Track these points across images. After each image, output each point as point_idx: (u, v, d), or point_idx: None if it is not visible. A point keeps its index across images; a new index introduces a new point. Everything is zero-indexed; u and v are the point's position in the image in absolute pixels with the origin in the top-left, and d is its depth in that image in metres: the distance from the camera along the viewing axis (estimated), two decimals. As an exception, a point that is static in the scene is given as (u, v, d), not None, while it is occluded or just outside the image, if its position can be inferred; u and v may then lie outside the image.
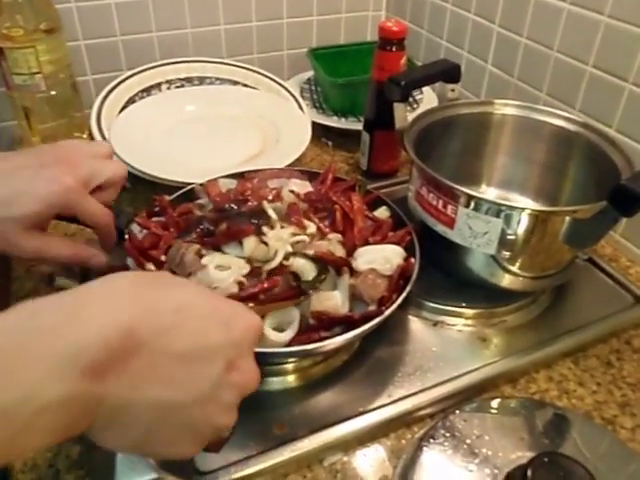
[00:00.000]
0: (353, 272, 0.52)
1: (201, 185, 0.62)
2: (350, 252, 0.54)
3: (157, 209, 0.58)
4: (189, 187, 0.62)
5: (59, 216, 0.51)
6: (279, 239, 0.52)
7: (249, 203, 0.56)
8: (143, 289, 0.32)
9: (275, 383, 0.52)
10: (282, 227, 0.54)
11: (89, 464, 0.46)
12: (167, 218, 0.57)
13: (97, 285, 0.30)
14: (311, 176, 0.65)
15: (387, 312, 0.48)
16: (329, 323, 0.48)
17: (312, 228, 0.55)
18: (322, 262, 0.51)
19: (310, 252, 0.51)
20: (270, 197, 0.57)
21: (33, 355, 0.25)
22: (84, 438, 0.42)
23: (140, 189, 0.73)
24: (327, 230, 0.56)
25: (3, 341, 0.26)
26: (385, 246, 0.55)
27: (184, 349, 0.31)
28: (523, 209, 0.52)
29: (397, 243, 0.56)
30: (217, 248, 0.52)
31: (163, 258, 0.52)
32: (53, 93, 0.81)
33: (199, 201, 0.60)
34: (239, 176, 0.64)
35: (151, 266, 0.52)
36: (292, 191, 0.60)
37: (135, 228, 0.56)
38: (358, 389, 0.52)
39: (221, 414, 0.34)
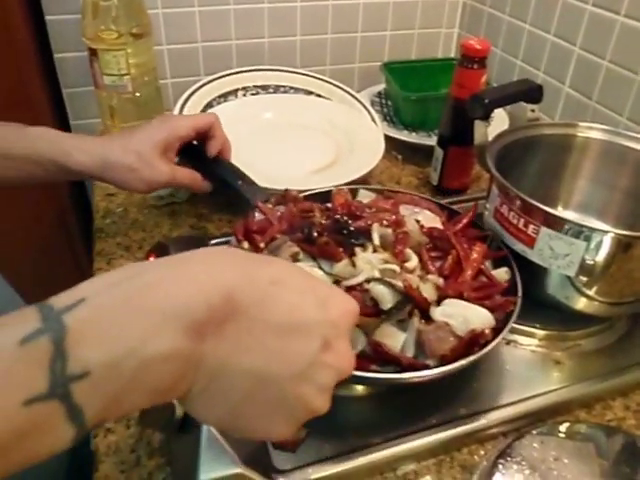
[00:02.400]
0: (429, 319, 0.50)
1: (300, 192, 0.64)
2: (440, 299, 0.52)
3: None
4: (323, 189, 0.66)
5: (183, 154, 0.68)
6: (368, 262, 0.51)
7: (361, 221, 0.56)
8: (241, 259, 0.32)
9: (350, 389, 0.53)
10: (375, 251, 0.53)
11: (169, 453, 0.48)
12: (285, 210, 0.59)
13: (200, 251, 0.31)
14: (449, 211, 0.65)
15: (435, 371, 0.46)
16: (382, 358, 0.47)
17: (414, 262, 0.54)
18: (405, 295, 0.49)
19: (397, 282, 0.49)
20: (385, 222, 0.56)
21: (139, 310, 0.26)
22: (165, 427, 0.44)
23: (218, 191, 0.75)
24: (432, 269, 0.54)
25: (110, 297, 0.26)
26: (473, 306, 0.51)
27: (280, 320, 0.31)
28: (608, 232, 0.52)
29: (493, 309, 0.52)
30: (313, 257, 0.52)
31: (262, 245, 0.54)
32: (138, 94, 0.84)
33: (328, 204, 0.62)
34: (379, 192, 0.66)
35: (246, 244, 0.55)
36: (418, 221, 0.58)
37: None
38: (432, 401, 0.52)
39: (316, 395, 0.32)
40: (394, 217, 0.58)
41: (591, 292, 0.56)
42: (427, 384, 0.49)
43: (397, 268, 0.51)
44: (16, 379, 0.23)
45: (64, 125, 0.95)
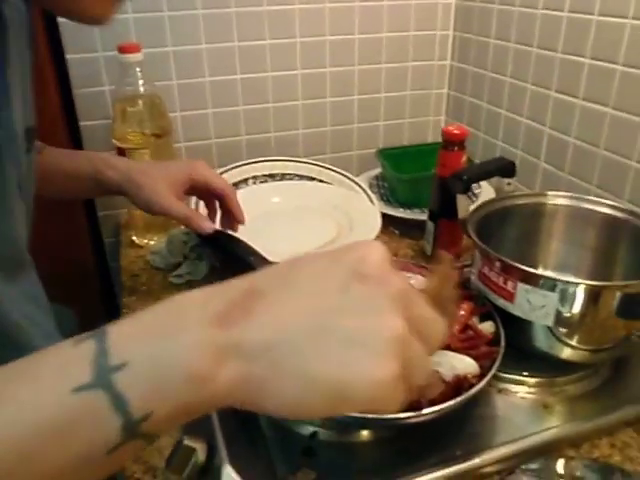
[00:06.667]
0: None
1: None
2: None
3: None
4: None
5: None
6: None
7: None
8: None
9: (355, 435, 0.58)
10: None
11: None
12: None
13: None
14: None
15: (428, 410, 0.51)
16: None
17: None
18: None
19: None
20: None
21: (167, 312, 0.31)
22: (189, 473, 0.49)
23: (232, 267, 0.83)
24: None
25: (141, 310, 0.31)
26: (459, 355, 0.57)
27: (302, 278, 0.32)
28: (577, 284, 0.59)
29: (478, 357, 0.58)
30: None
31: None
32: (159, 187, 0.95)
33: None
34: None
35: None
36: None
37: None
38: (429, 445, 0.56)
39: (382, 316, 0.30)
40: None
41: (571, 341, 0.62)
42: (422, 424, 0.54)
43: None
44: (66, 372, 0.28)
45: (92, 214, 1.06)
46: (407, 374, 0.30)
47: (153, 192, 0.72)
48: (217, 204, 0.79)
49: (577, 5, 0.84)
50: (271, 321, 0.30)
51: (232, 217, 0.78)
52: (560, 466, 0.53)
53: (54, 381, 0.28)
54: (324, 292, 0.31)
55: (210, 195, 0.78)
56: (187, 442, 0.49)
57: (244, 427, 0.56)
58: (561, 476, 0.52)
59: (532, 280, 0.60)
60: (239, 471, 0.48)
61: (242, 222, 0.79)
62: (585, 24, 0.83)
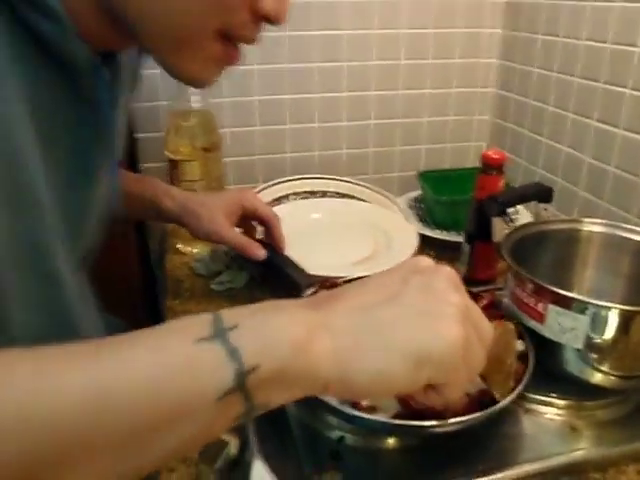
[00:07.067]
0: None
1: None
2: None
3: None
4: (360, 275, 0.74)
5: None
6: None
7: None
8: None
9: (382, 441, 0.59)
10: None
11: None
12: None
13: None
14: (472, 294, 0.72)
15: (453, 420, 0.52)
16: (411, 410, 0.53)
17: None
18: None
19: None
20: None
21: (267, 305, 0.37)
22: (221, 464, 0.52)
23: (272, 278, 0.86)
24: None
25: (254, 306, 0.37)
26: None
27: (369, 287, 0.40)
28: (608, 307, 0.59)
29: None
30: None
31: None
32: (206, 198, 0.99)
33: None
34: None
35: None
36: None
37: None
38: (453, 459, 0.57)
39: (444, 294, 0.38)
40: None
41: (601, 366, 0.62)
42: (447, 436, 0.55)
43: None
44: (188, 330, 0.33)
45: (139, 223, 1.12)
46: (468, 355, 0.37)
47: (212, 222, 0.79)
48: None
49: (620, 37, 0.85)
50: (350, 310, 0.37)
51: (275, 242, 0.84)
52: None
53: (179, 335, 0.33)
54: (389, 285, 0.38)
55: (250, 220, 0.86)
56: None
57: (275, 426, 0.58)
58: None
59: (563, 302, 0.61)
60: (269, 467, 0.51)
61: (283, 249, 0.85)
62: (627, 55, 0.84)
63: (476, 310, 0.40)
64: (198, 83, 0.51)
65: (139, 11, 0.42)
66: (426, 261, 0.42)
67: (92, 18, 0.44)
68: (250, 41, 0.49)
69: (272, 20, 0.47)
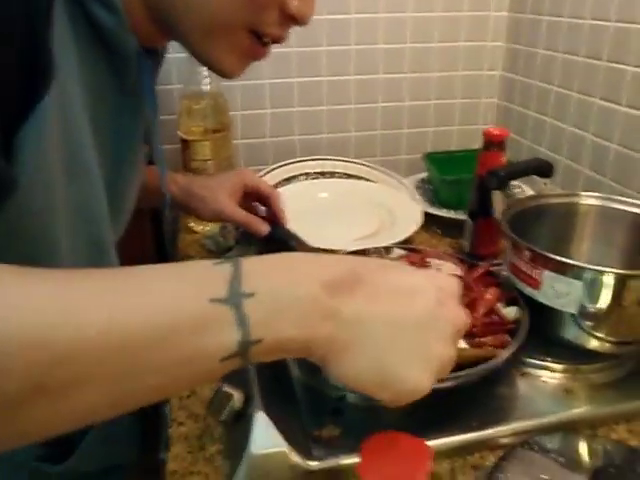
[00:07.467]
0: None
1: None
2: None
3: None
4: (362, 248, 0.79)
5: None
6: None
7: None
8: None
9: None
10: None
11: (228, 442, 0.58)
12: None
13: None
14: (470, 265, 0.76)
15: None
16: None
17: None
18: None
19: None
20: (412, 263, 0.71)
21: (289, 269, 0.36)
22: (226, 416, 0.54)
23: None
24: None
25: (269, 258, 0.37)
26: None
27: (397, 282, 0.39)
28: (602, 272, 0.61)
29: (495, 345, 0.62)
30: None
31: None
32: (217, 177, 1.02)
33: None
34: (410, 250, 0.79)
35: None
36: (439, 270, 0.71)
37: None
38: (449, 415, 0.60)
39: (442, 343, 0.38)
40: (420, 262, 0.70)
41: (596, 332, 0.64)
42: (443, 394, 0.57)
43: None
44: (207, 285, 0.33)
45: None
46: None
47: (216, 202, 0.82)
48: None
49: (622, 15, 0.86)
50: (365, 307, 0.36)
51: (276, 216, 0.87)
52: (582, 443, 0.54)
53: (195, 289, 0.33)
54: (412, 303, 0.38)
55: (251, 201, 0.89)
56: (226, 389, 0.55)
57: (278, 383, 0.61)
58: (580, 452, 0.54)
59: (558, 268, 0.63)
60: (270, 420, 0.53)
61: (284, 222, 0.87)
62: (629, 32, 0.85)
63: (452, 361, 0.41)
64: (224, 72, 0.56)
65: (184, 3, 0.48)
66: (452, 290, 0.41)
67: (140, 14, 0.50)
68: (277, 39, 0.55)
69: (297, 20, 0.53)
